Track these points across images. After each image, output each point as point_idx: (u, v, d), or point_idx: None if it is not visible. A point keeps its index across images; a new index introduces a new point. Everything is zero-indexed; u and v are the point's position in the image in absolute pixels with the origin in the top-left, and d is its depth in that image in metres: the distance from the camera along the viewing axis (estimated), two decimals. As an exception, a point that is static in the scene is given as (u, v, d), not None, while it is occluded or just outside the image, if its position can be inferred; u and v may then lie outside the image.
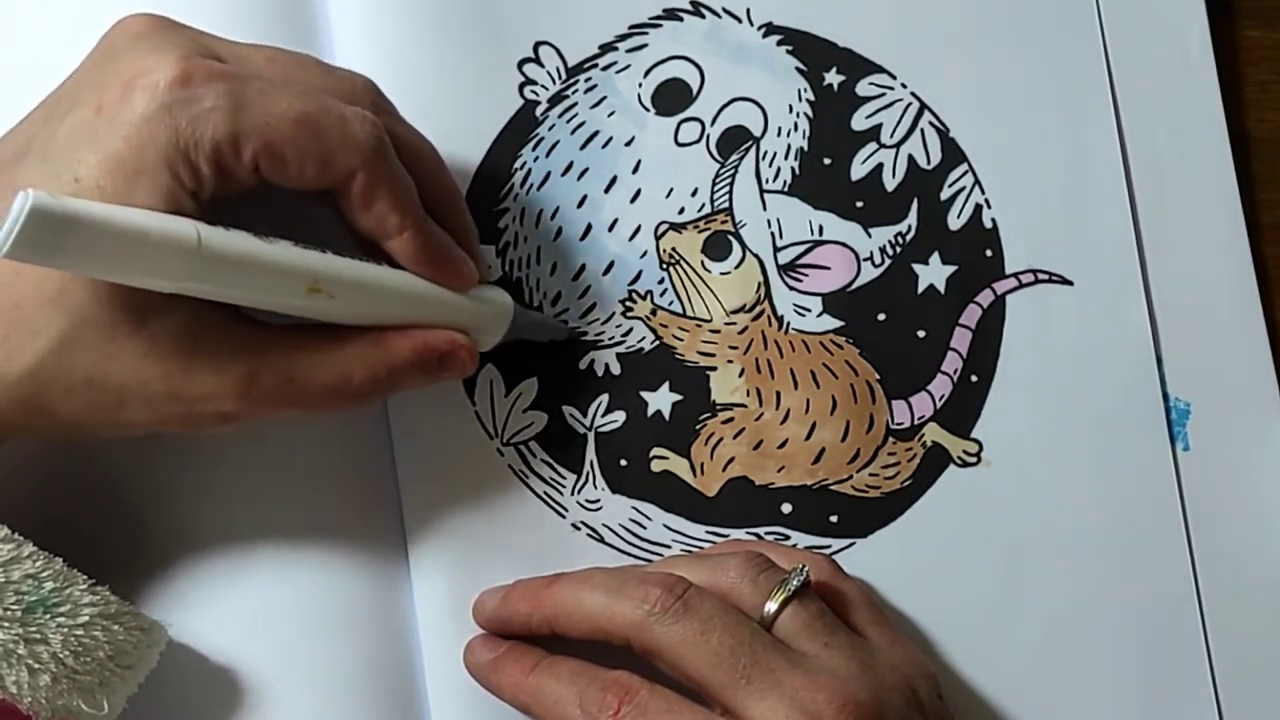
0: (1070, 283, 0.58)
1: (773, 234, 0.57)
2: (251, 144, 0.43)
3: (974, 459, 0.57)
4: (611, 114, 0.56)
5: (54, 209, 0.39)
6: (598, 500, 0.55)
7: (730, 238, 0.57)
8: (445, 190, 0.50)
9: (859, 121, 0.58)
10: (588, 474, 0.55)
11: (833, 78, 0.58)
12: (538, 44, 0.56)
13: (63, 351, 0.43)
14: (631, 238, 0.56)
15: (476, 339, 0.50)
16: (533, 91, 0.56)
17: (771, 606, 0.48)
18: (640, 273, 0.56)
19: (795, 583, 0.48)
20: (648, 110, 0.57)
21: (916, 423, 0.57)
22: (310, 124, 0.44)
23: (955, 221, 0.58)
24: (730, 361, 0.56)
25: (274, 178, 0.45)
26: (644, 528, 0.55)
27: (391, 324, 0.48)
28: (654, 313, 0.56)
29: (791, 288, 0.57)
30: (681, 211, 0.56)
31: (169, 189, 0.43)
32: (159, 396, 0.44)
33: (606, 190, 0.56)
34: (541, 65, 0.56)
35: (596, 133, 0.56)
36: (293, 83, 0.45)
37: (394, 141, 0.47)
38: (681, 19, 0.57)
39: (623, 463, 0.55)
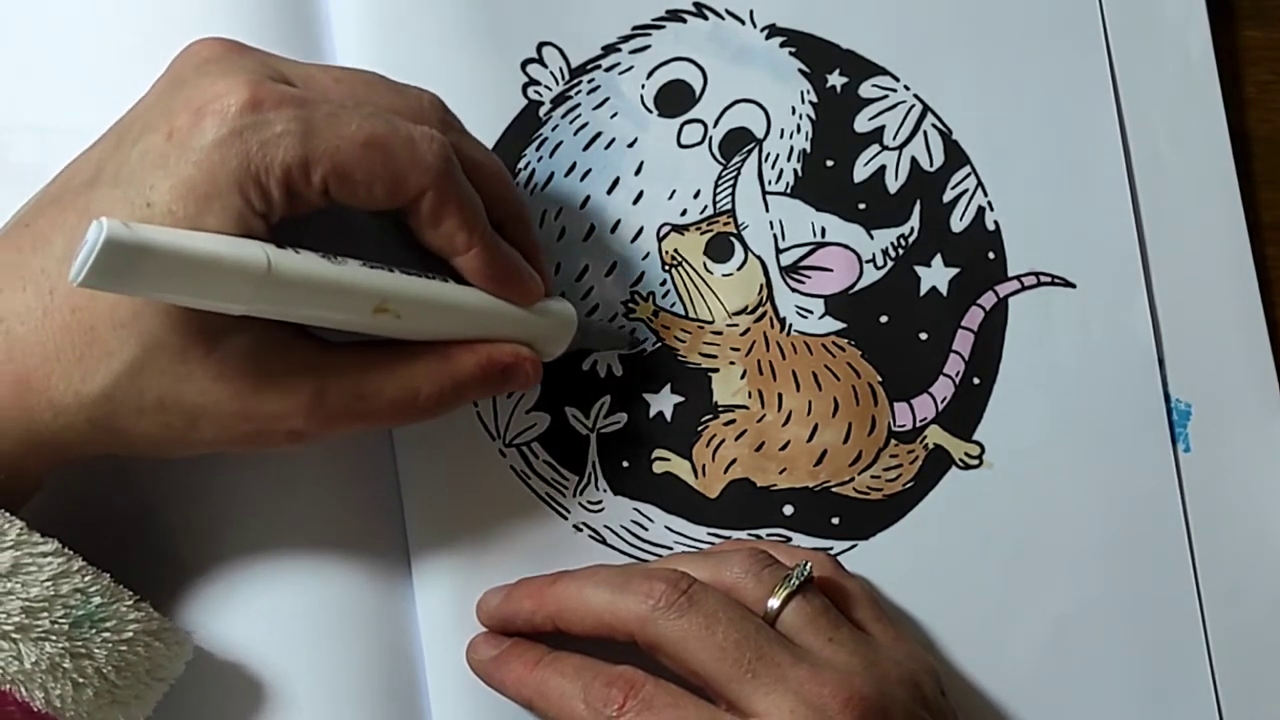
0: (1072, 285, 0.58)
1: (775, 236, 0.57)
2: (321, 167, 0.44)
3: (976, 461, 0.57)
4: (614, 115, 0.57)
5: (127, 239, 0.39)
6: (599, 501, 0.55)
7: (732, 239, 0.57)
8: (512, 206, 0.51)
9: (862, 123, 0.58)
10: (589, 475, 0.55)
11: (836, 80, 0.58)
12: (541, 44, 0.56)
13: (136, 373, 0.43)
14: (634, 239, 0.56)
15: (541, 350, 0.51)
16: (536, 92, 0.56)
17: (775, 602, 0.48)
18: (643, 274, 0.56)
19: (798, 579, 0.49)
20: (650, 112, 0.57)
21: (918, 425, 0.57)
22: (379, 146, 0.45)
23: (958, 224, 0.58)
24: (732, 363, 0.56)
25: (344, 199, 0.45)
26: (645, 529, 0.55)
27: (457, 339, 0.49)
28: (656, 314, 0.56)
29: (794, 289, 0.57)
30: (684, 213, 0.57)
31: (239, 212, 0.43)
32: (229, 417, 0.45)
33: (609, 191, 0.56)
34: (545, 66, 0.56)
35: (599, 134, 0.56)
36: (361, 103, 0.46)
37: (461, 159, 0.47)
38: (685, 20, 0.57)
39: (624, 464, 0.55)
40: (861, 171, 0.58)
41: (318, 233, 0.46)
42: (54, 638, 0.43)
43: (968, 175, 0.58)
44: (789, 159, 0.57)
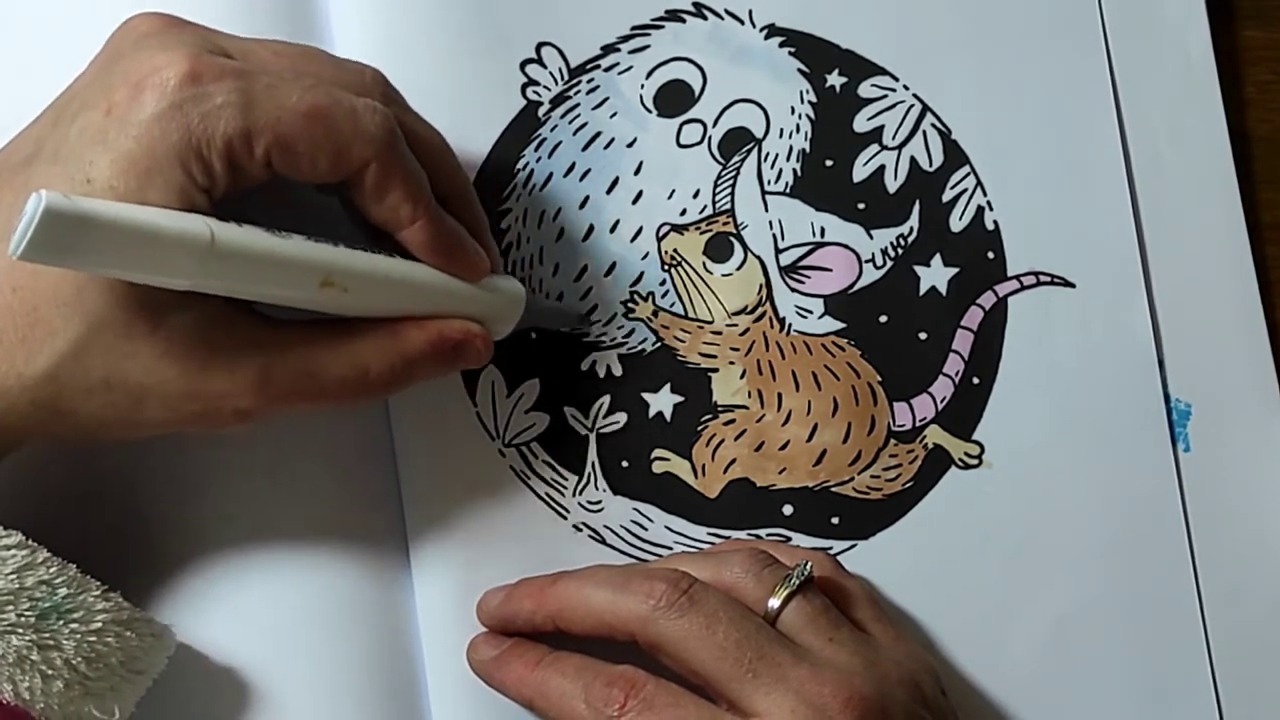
0: (1072, 284, 0.58)
1: (774, 236, 0.57)
2: (264, 139, 0.44)
3: (975, 461, 0.57)
4: (614, 115, 0.57)
5: (67, 209, 0.39)
6: (599, 501, 0.55)
7: (732, 239, 0.57)
8: (456, 181, 0.50)
9: (861, 123, 0.58)
10: (589, 475, 0.55)
11: (835, 79, 0.58)
12: (540, 44, 0.56)
13: (80, 353, 0.43)
14: (633, 239, 0.56)
15: (490, 328, 0.50)
16: (535, 92, 0.56)
17: (775, 602, 0.48)
18: (642, 274, 0.56)
19: (798, 578, 0.49)
20: (650, 111, 0.57)
21: (918, 424, 0.57)
22: (322, 117, 0.44)
23: (957, 223, 0.58)
24: (732, 363, 0.56)
25: (287, 172, 0.45)
26: (645, 529, 0.55)
27: (406, 315, 0.48)
28: (656, 314, 0.56)
29: (793, 289, 0.57)
30: (683, 213, 0.57)
31: (182, 187, 0.43)
32: (176, 395, 0.45)
33: (608, 191, 0.56)
34: (544, 66, 0.56)
35: (599, 134, 0.56)
36: (302, 76, 0.45)
37: (404, 132, 0.47)
38: (684, 20, 0.57)
39: (624, 464, 0.55)
40: (861, 171, 0.58)
41: (261, 212, 0.45)
42: (20, 630, 0.43)
43: (967, 175, 0.58)
44: (788, 159, 0.57)
